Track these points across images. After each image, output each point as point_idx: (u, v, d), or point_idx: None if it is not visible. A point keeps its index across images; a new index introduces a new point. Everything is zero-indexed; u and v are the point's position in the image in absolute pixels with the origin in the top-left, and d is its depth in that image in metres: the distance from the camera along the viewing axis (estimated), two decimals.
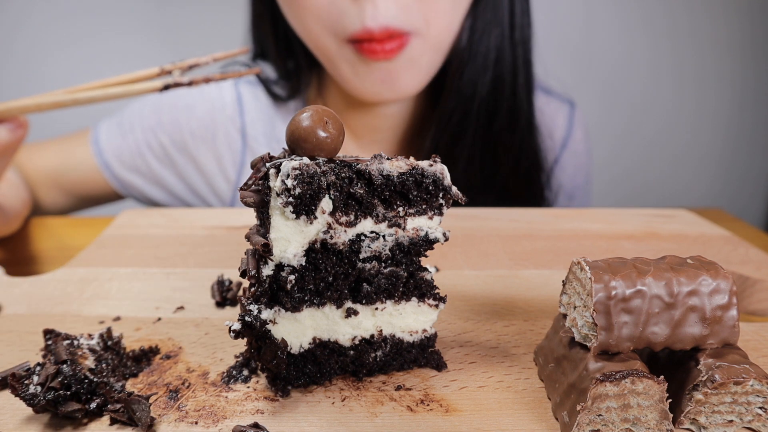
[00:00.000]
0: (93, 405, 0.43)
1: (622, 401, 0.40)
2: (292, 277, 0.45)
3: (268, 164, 0.43)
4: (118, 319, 0.58)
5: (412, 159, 0.46)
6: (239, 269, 0.46)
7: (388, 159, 0.45)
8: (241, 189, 0.44)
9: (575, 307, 0.44)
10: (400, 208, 0.46)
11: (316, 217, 0.44)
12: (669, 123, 1.97)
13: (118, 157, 1.01)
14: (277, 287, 0.45)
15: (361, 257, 0.46)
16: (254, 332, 0.45)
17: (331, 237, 0.45)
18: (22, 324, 0.57)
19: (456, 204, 0.52)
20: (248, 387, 0.48)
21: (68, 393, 0.43)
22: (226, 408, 0.45)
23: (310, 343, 0.48)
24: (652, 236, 0.80)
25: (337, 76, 0.90)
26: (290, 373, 0.47)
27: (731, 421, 0.43)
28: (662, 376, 0.40)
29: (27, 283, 0.65)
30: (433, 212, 0.47)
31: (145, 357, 0.51)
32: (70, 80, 0.74)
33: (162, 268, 0.69)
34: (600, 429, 0.41)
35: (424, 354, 0.50)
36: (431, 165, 0.45)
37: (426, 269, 0.49)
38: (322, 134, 0.43)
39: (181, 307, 0.60)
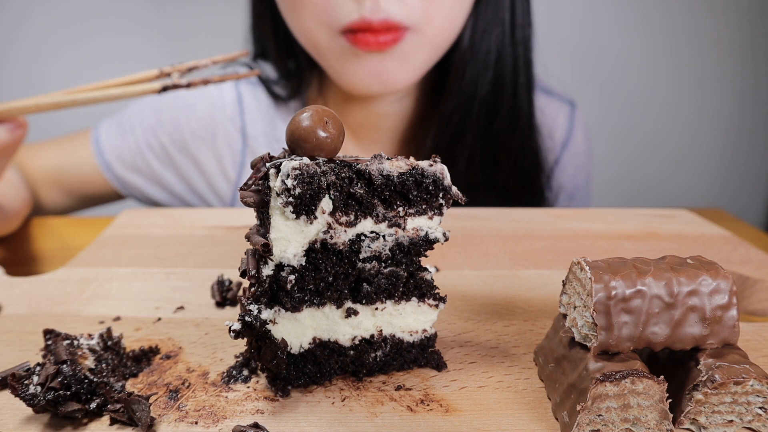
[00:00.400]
0: (93, 405, 0.43)
1: (622, 401, 0.40)
2: (292, 277, 0.45)
3: (268, 164, 0.43)
4: (118, 319, 0.58)
5: (412, 159, 0.46)
6: (239, 269, 0.46)
7: (388, 159, 0.45)
8: (241, 189, 0.44)
9: (575, 307, 0.44)
10: (400, 208, 0.46)
11: (316, 217, 0.44)
12: (669, 123, 1.97)
13: (119, 156, 1.01)
14: (277, 287, 0.45)
15: (361, 257, 0.46)
16: (254, 332, 0.45)
17: (331, 237, 0.45)
18: (22, 324, 0.57)
19: (456, 204, 0.52)
20: (248, 387, 0.48)
21: (68, 393, 0.43)
22: (226, 408, 0.45)
23: (310, 343, 0.48)
24: (652, 236, 0.80)
25: (328, 69, 0.90)
26: (290, 373, 0.47)
27: (731, 421, 0.43)
28: (662, 376, 0.40)
29: (27, 283, 0.65)
30: (433, 212, 0.47)
31: (145, 357, 0.51)
32: (70, 80, 0.74)
33: (162, 268, 0.69)
34: (600, 429, 0.41)
35: (424, 354, 0.50)
36: (431, 165, 0.45)
37: (426, 269, 0.49)
38: (322, 134, 0.43)
39: (181, 307, 0.60)
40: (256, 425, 0.42)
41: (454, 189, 0.46)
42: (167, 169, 1.03)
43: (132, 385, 0.47)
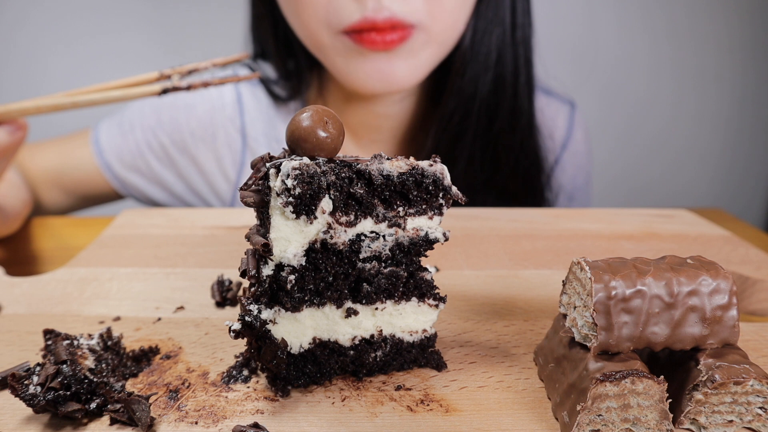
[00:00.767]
0: (93, 405, 0.43)
1: (622, 401, 0.40)
2: (292, 277, 0.45)
3: (268, 164, 0.43)
4: (118, 319, 0.58)
5: (412, 159, 0.46)
6: (239, 269, 0.46)
7: (388, 159, 0.45)
8: (241, 189, 0.44)
9: (575, 307, 0.44)
10: (400, 208, 0.46)
11: (316, 217, 0.44)
12: (669, 123, 1.97)
13: (119, 156, 1.01)
14: (277, 287, 0.45)
15: (361, 257, 0.46)
16: (254, 332, 0.45)
17: (331, 237, 0.45)
18: (22, 324, 0.57)
19: (456, 204, 0.52)
20: (248, 387, 0.48)
21: (68, 393, 0.43)
22: (226, 408, 0.45)
23: (310, 343, 0.48)
24: (652, 236, 0.80)
25: (332, 69, 0.89)
26: (290, 373, 0.47)
27: (731, 421, 0.43)
28: (662, 376, 0.40)
29: (27, 283, 0.65)
30: (433, 212, 0.47)
31: (145, 357, 0.51)
32: (70, 81, 0.75)
33: (162, 268, 0.69)
34: (600, 429, 0.41)
35: (424, 354, 0.50)
36: (431, 165, 0.45)
37: (426, 269, 0.49)
38: (322, 134, 0.43)
39: (181, 307, 0.60)
40: (256, 425, 0.42)
41: (454, 189, 0.46)
42: (167, 169, 1.03)
43: (132, 385, 0.47)
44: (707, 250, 0.75)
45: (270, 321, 0.46)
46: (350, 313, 0.48)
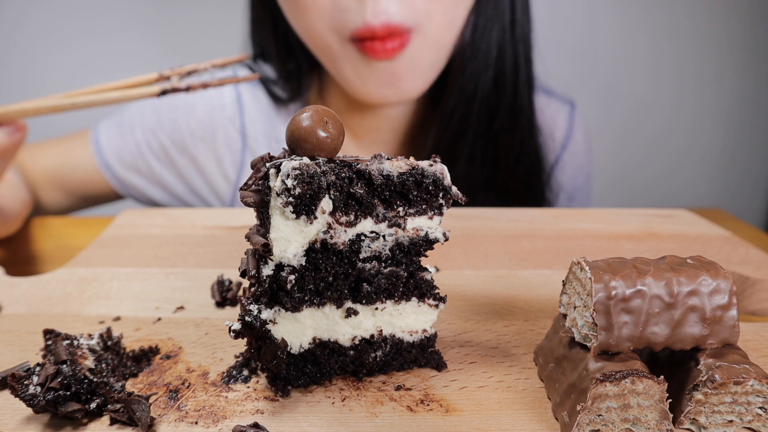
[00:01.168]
0: (93, 405, 0.43)
1: (622, 401, 0.40)
2: (292, 277, 0.45)
3: (268, 164, 0.43)
4: (118, 319, 0.58)
5: (412, 159, 0.46)
6: (239, 269, 0.46)
7: (388, 159, 0.45)
8: (241, 189, 0.44)
9: (575, 307, 0.44)
10: (400, 208, 0.46)
11: (316, 217, 0.44)
12: (669, 123, 1.97)
13: (118, 156, 1.01)
14: (277, 287, 0.45)
15: (361, 257, 0.46)
16: (254, 332, 0.45)
17: (331, 237, 0.45)
18: (22, 324, 0.57)
19: (456, 204, 0.52)
20: (248, 387, 0.48)
21: (68, 393, 0.43)
22: (226, 408, 0.45)
23: (310, 343, 0.48)
24: (652, 236, 0.80)
25: (340, 78, 0.90)
26: (290, 373, 0.47)
27: (731, 421, 0.42)
28: (662, 376, 0.40)
29: (27, 283, 0.65)
30: (433, 212, 0.47)
31: (145, 357, 0.51)
32: (69, 81, 0.75)
33: (162, 268, 0.69)
34: (600, 429, 0.41)
35: (424, 354, 0.50)
36: (431, 165, 0.45)
37: (426, 269, 0.49)
38: (322, 134, 0.43)
39: (181, 307, 0.60)
40: (256, 425, 0.42)
41: (454, 189, 0.46)
42: (167, 169, 1.03)
43: (132, 385, 0.47)
44: (707, 250, 0.75)
45: (270, 321, 0.46)
46: (350, 313, 0.48)
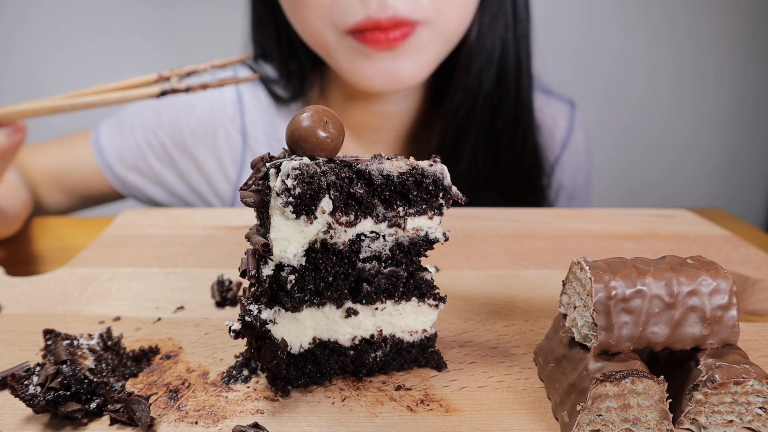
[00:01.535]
0: (93, 405, 0.43)
1: (622, 401, 0.40)
2: (292, 277, 0.45)
3: (268, 164, 0.43)
4: (118, 319, 0.58)
5: (412, 159, 0.46)
6: (239, 269, 0.46)
7: (388, 159, 0.45)
8: (241, 189, 0.44)
9: (575, 307, 0.44)
10: (400, 208, 0.46)
11: (316, 217, 0.44)
12: (669, 123, 1.97)
13: (119, 156, 1.01)
14: (277, 287, 0.45)
15: (361, 257, 0.46)
16: (254, 332, 0.45)
17: (331, 237, 0.45)
18: (22, 324, 0.57)
19: (456, 204, 0.52)
20: (248, 387, 0.48)
21: (68, 393, 0.43)
22: (226, 408, 0.45)
23: (310, 343, 0.48)
24: (652, 236, 0.80)
25: (337, 69, 0.89)
26: (290, 373, 0.47)
27: (731, 421, 0.43)
28: (662, 376, 0.40)
29: (27, 283, 0.65)
30: (433, 212, 0.47)
31: (145, 357, 0.51)
32: (69, 82, 0.75)
33: (162, 268, 0.69)
34: (600, 429, 0.41)
35: (424, 354, 0.50)
36: (431, 165, 0.45)
37: (426, 269, 0.49)
38: (322, 134, 0.43)
39: (181, 307, 0.60)
40: (256, 425, 0.42)
41: (454, 189, 0.46)
42: (167, 168, 1.03)
43: (132, 385, 0.47)
44: (707, 250, 0.75)
45: (270, 321, 0.46)
46: (350, 313, 0.48)
